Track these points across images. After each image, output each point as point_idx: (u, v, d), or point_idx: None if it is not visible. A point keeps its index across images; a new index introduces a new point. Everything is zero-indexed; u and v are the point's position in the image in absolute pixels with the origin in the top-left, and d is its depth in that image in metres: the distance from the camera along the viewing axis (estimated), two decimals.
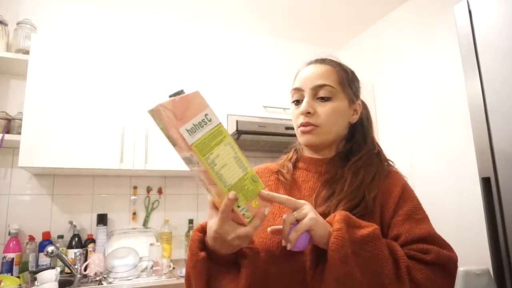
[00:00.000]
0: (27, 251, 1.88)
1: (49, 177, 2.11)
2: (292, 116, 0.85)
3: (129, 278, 1.81)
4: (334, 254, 0.60)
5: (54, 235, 1.99)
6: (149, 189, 2.32)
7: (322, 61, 0.85)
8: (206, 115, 0.58)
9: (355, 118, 0.85)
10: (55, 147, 1.82)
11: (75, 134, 1.87)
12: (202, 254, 0.66)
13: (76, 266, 1.81)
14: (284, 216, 0.63)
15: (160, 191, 2.34)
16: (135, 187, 2.29)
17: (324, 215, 0.68)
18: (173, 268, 1.95)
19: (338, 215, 0.65)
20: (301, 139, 0.83)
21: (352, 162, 0.80)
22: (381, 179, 0.78)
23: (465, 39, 1.25)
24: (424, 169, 2.13)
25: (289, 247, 0.62)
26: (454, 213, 1.92)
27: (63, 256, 1.79)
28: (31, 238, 1.92)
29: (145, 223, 2.27)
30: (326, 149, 0.84)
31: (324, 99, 0.80)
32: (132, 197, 2.27)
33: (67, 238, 2.01)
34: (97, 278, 1.78)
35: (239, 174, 0.60)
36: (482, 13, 1.22)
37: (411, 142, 2.27)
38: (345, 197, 0.73)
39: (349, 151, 0.84)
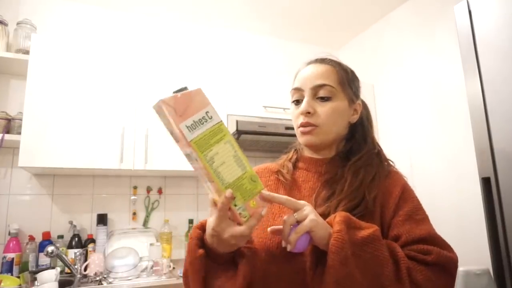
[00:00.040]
0: (27, 251, 1.88)
1: (49, 177, 2.11)
2: (292, 116, 0.84)
3: (129, 278, 1.81)
4: (334, 256, 0.60)
5: (54, 235, 1.99)
6: (149, 189, 2.32)
7: (322, 60, 0.84)
8: (207, 112, 0.59)
9: (355, 118, 0.85)
10: (55, 147, 1.82)
11: (75, 134, 1.87)
12: (200, 251, 0.66)
13: (76, 266, 1.81)
14: (285, 217, 0.63)
15: (160, 191, 2.34)
16: (135, 187, 2.29)
17: (324, 215, 0.68)
18: (173, 268, 1.95)
19: (338, 216, 0.65)
20: (301, 139, 0.83)
21: (352, 162, 0.80)
22: (381, 179, 0.78)
23: (465, 39, 1.25)
24: (424, 169, 2.13)
25: (289, 248, 0.62)
26: (454, 213, 1.92)
27: (63, 256, 1.79)
28: (31, 238, 1.92)
29: (145, 223, 2.27)
30: (326, 149, 0.84)
31: (324, 99, 0.79)
32: (132, 197, 2.27)
33: (67, 238, 2.01)
34: (97, 278, 1.78)
35: (237, 173, 0.60)
36: (482, 13, 1.22)
37: (411, 142, 2.27)
38: (345, 197, 0.73)
39: (349, 151, 0.84)
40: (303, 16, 2.60)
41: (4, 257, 1.81)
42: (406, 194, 0.77)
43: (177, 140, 0.60)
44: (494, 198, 1.12)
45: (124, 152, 1.95)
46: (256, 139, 2.30)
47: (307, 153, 0.87)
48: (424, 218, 0.74)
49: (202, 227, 0.69)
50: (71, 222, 2.04)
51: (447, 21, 2.02)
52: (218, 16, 2.60)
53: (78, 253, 1.87)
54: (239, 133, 2.19)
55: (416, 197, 0.78)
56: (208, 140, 0.58)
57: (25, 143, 1.76)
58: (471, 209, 1.82)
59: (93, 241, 2.04)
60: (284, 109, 2.35)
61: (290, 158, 0.89)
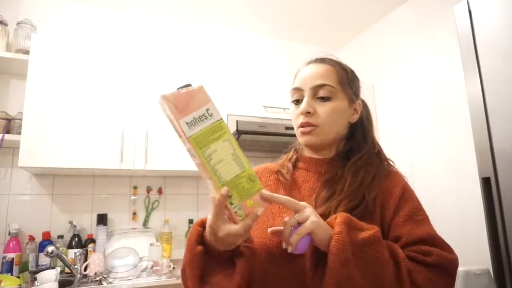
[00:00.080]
0: (27, 251, 1.88)
1: (49, 177, 2.11)
2: (292, 116, 0.84)
3: (129, 278, 1.81)
4: (335, 257, 0.60)
5: (54, 235, 1.99)
6: (149, 189, 2.32)
7: (322, 60, 0.84)
8: (207, 109, 0.59)
9: (355, 118, 0.84)
10: (55, 147, 1.82)
11: (75, 134, 1.87)
12: (199, 248, 0.66)
13: (76, 266, 1.81)
14: (286, 218, 0.63)
15: (160, 191, 2.34)
16: (135, 187, 2.29)
17: (324, 216, 0.68)
18: (173, 268, 1.95)
19: (339, 217, 0.65)
20: (301, 139, 0.82)
21: (352, 162, 0.80)
22: (381, 179, 0.78)
23: (465, 39, 1.25)
24: (424, 169, 2.13)
25: (289, 250, 0.61)
26: (454, 213, 1.92)
27: (63, 256, 1.79)
28: (31, 238, 1.92)
29: (145, 223, 2.27)
30: (326, 149, 0.84)
31: (324, 99, 0.79)
32: (132, 197, 2.27)
33: (67, 238, 2.01)
34: (97, 278, 1.78)
35: (235, 171, 0.60)
36: (482, 13, 1.22)
37: (411, 142, 2.27)
38: (345, 197, 0.73)
39: (349, 150, 0.83)
40: (303, 16, 2.60)
41: (4, 257, 1.81)
42: (406, 194, 0.77)
43: (179, 135, 0.60)
44: (494, 198, 1.12)
45: (124, 152, 1.95)
46: (256, 139, 2.30)
47: (307, 153, 0.87)
48: (425, 219, 0.74)
49: (203, 224, 0.69)
50: (71, 222, 2.04)
51: (447, 21, 2.02)
52: (218, 16, 2.60)
53: (78, 253, 1.87)
54: (239, 133, 2.19)
55: (416, 197, 0.78)
56: (207, 137, 0.58)
57: (25, 143, 1.76)
58: (471, 209, 1.81)
59: (93, 241, 2.04)
60: (284, 109, 2.34)
61: (290, 158, 0.89)
